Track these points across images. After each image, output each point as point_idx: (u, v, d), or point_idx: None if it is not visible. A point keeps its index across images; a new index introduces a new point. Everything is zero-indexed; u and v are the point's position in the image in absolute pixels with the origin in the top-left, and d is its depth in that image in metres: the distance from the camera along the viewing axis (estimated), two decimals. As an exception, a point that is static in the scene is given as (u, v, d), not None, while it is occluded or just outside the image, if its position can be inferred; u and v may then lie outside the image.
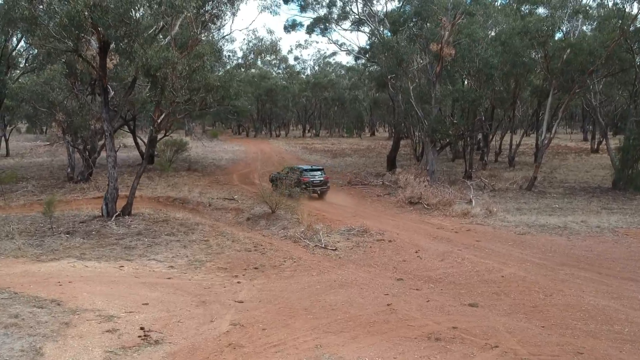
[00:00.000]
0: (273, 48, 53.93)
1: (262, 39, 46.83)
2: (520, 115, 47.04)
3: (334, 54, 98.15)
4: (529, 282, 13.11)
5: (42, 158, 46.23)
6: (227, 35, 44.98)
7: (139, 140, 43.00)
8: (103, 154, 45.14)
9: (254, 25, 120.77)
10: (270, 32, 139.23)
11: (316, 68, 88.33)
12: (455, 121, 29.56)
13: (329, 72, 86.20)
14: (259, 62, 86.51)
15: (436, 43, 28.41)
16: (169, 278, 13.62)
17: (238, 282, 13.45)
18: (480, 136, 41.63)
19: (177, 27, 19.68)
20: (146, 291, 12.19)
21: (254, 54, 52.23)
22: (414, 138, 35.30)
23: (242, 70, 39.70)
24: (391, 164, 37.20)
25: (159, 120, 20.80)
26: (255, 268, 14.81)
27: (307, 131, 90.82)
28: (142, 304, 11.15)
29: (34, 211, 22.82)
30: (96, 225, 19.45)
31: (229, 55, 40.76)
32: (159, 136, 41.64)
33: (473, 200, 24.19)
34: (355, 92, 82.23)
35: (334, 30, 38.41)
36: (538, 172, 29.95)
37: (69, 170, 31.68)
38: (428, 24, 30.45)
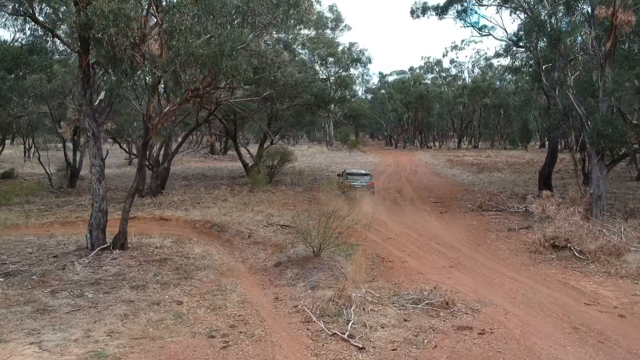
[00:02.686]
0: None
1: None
2: None
3: (498, 55, 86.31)
4: None
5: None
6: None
7: (243, 150, 38.34)
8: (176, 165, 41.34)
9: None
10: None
11: (475, 71, 78.31)
12: (635, 121, 19.59)
13: (492, 77, 75.62)
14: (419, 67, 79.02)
15: (606, 7, 19.07)
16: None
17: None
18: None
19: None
20: None
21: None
22: (574, 148, 25.45)
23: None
24: (544, 183, 27.58)
25: (156, 120, 14.65)
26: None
27: (463, 142, 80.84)
28: None
29: (46, 232, 18.22)
30: (62, 262, 13.88)
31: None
32: (266, 144, 36.76)
33: (663, 248, 14.72)
34: (522, 98, 70.73)
35: (474, 12, 30.06)
36: None
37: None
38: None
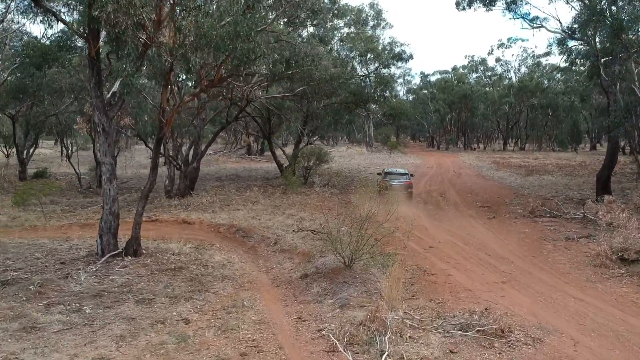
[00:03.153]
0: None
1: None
2: None
3: (547, 54, 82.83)
4: None
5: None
6: None
7: (279, 151, 36.97)
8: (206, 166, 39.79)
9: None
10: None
11: (522, 70, 75.04)
12: None
13: (540, 76, 72.28)
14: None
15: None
16: None
17: None
18: None
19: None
20: None
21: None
22: (638, 148, 23.02)
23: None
24: (602, 187, 25.17)
25: (170, 114, 13.21)
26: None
27: (509, 144, 77.63)
28: None
29: (63, 234, 17.11)
30: (67, 269, 12.60)
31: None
32: (301, 144, 35.28)
33: None
34: (572, 98, 67.33)
35: (525, 2, 27.74)
36: None
37: (167, 182, 26.11)
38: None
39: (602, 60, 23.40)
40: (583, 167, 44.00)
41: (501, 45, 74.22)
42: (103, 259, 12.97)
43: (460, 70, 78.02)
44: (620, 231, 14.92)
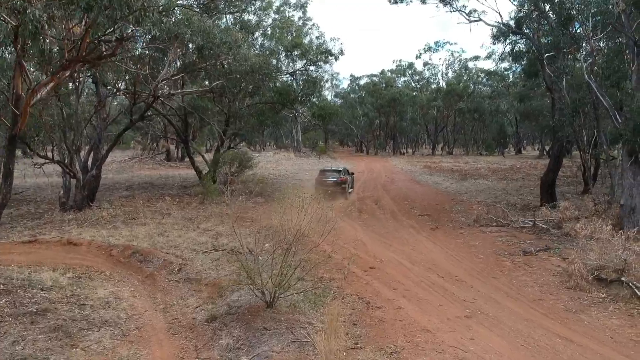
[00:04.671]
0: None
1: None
2: None
3: (475, 58, 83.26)
4: None
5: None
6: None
7: (199, 156, 33.47)
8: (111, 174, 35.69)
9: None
10: None
11: (449, 74, 74.68)
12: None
13: (467, 80, 72.10)
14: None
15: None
16: None
17: None
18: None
19: None
20: None
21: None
22: (586, 151, 21.38)
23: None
24: (547, 192, 23.46)
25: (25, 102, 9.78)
26: None
27: (437, 148, 77.04)
28: None
29: None
30: None
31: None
32: (222, 149, 32.00)
33: None
34: (497, 102, 67.41)
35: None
36: None
37: (62, 193, 22.18)
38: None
39: (546, 55, 21.70)
40: (515, 171, 43.09)
41: (429, 49, 73.63)
42: None
43: (389, 74, 76.78)
44: (593, 244, 12.73)
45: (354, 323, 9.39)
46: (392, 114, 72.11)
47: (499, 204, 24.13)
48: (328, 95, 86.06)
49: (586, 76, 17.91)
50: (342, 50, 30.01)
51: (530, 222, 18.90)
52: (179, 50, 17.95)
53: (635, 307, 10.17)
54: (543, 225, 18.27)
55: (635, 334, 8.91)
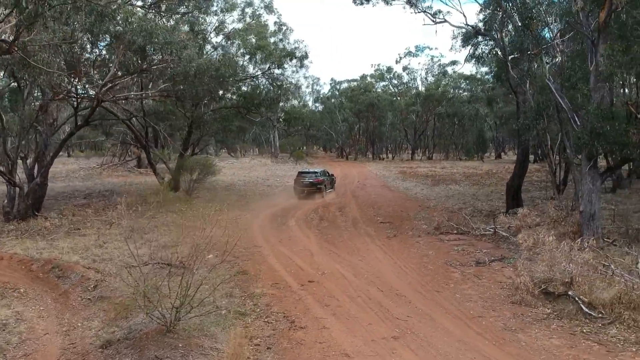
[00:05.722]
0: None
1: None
2: None
3: (453, 62, 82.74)
4: None
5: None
6: None
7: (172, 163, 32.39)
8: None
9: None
10: None
11: (429, 79, 74.14)
12: (640, 115, 14.76)
13: (446, 84, 71.62)
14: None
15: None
16: None
17: None
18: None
19: None
20: None
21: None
22: (551, 153, 20.72)
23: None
24: (513, 197, 22.74)
25: None
26: None
27: (417, 153, 76.45)
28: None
29: None
30: None
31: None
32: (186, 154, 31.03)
33: None
34: (476, 106, 66.95)
35: (427, -3, 25.08)
36: None
37: (6, 202, 21.11)
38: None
39: (510, 57, 21.03)
40: (490, 175, 42.49)
41: (409, 53, 73.01)
42: None
43: (368, 79, 76.22)
44: (542, 254, 11.94)
45: (268, 347, 8.50)
46: (371, 118, 71.42)
47: (464, 211, 23.42)
48: (309, 100, 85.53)
49: (547, 77, 17.21)
50: (306, 53, 28.98)
51: (491, 230, 18.17)
52: (122, 51, 16.99)
53: (579, 324, 9.38)
54: (503, 233, 17.54)
55: (573, 356, 8.11)
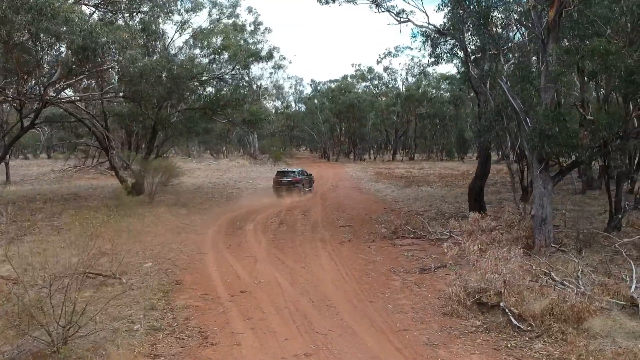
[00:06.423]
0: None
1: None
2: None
3: (435, 62, 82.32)
4: None
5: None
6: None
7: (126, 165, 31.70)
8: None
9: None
10: None
11: (409, 79, 73.76)
12: (589, 117, 14.30)
13: (427, 85, 71.30)
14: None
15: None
16: None
17: None
18: None
19: None
20: None
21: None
22: (510, 156, 20.39)
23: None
24: (476, 200, 22.31)
25: None
26: None
27: (399, 154, 76.11)
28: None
29: None
30: None
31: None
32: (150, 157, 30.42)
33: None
34: (456, 106, 66.67)
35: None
36: None
37: (-51, 207, 20.41)
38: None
39: (472, 57, 20.66)
40: (465, 176, 42.11)
41: (389, 54, 72.52)
42: None
43: (349, 79, 75.82)
44: (480, 260, 11.48)
45: (168, 366, 7.96)
46: (352, 119, 71.00)
47: (427, 213, 23.02)
48: (292, 101, 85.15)
49: (502, 77, 16.80)
50: (271, 54, 28.52)
51: (448, 234, 17.73)
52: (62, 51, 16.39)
53: (505, 337, 8.91)
54: (459, 238, 17.08)
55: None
